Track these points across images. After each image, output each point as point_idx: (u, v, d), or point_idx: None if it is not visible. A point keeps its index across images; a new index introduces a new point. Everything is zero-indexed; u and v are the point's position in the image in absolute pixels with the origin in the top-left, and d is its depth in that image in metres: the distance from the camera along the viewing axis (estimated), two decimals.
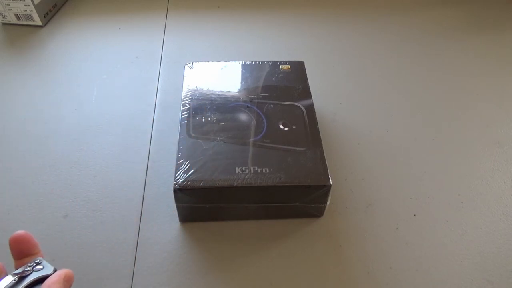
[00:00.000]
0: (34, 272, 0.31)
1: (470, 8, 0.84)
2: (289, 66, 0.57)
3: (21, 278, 0.30)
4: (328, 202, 0.46)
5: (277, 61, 0.58)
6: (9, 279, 0.30)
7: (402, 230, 0.47)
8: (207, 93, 0.52)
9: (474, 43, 0.75)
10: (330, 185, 0.43)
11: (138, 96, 0.63)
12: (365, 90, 0.65)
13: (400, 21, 0.80)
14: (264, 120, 0.49)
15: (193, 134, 0.47)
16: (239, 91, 0.53)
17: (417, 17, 0.82)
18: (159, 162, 0.54)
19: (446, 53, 0.73)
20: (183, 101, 0.51)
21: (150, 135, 0.57)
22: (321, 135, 0.47)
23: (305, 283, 0.43)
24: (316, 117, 0.50)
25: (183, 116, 0.49)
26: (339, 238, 0.46)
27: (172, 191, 0.42)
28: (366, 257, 0.45)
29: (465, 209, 0.49)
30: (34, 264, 0.32)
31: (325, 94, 0.63)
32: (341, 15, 0.82)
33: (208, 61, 0.58)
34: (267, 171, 0.43)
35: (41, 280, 0.31)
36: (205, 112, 0.50)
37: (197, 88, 0.53)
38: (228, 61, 0.58)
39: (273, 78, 0.55)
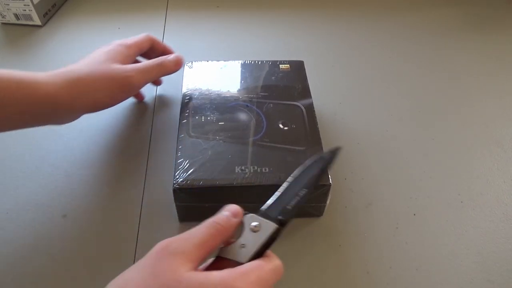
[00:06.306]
0: None
1: (470, 8, 0.84)
2: (288, 65, 0.57)
3: None
4: (328, 202, 0.45)
5: (277, 61, 0.57)
6: None
7: (402, 229, 0.47)
8: (207, 93, 0.52)
9: (474, 43, 0.75)
10: (330, 185, 0.43)
11: None
12: (365, 90, 0.65)
13: (400, 21, 0.80)
14: (264, 119, 0.49)
15: (192, 134, 0.47)
16: (239, 90, 0.53)
17: (417, 17, 0.81)
18: (158, 161, 0.53)
19: (446, 53, 0.73)
20: (182, 100, 0.51)
21: (149, 134, 0.57)
22: (320, 134, 0.47)
23: (304, 283, 0.42)
24: (315, 117, 0.49)
25: (182, 116, 0.49)
26: (339, 238, 0.46)
27: (171, 191, 0.42)
28: (366, 257, 0.45)
29: (465, 209, 0.49)
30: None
31: (324, 94, 0.63)
32: (341, 15, 0.82)
33: (207, 61, 0.58)
34: (267, 170, 0.43)
35: None
36: (205, 112, 0.50)
37: (197, 88, 0.53)
38: (228, 60, 0.58)
39: (273, 78, 0.55)
